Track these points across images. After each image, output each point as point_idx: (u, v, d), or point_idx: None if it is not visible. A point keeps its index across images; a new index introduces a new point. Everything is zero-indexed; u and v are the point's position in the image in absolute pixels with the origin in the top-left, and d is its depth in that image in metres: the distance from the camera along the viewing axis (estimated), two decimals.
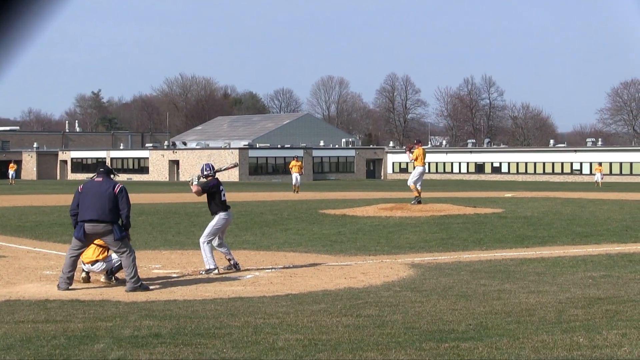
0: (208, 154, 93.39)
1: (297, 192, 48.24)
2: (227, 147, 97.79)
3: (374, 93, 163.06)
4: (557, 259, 16.47)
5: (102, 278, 13.62)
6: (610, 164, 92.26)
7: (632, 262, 15.69)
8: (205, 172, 15.29)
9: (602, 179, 72.66)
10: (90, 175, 15.26)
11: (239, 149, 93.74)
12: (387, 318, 9.99)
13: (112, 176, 13.24)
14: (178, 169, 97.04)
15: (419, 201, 28.70)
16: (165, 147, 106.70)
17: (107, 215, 12.73)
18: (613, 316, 9.96)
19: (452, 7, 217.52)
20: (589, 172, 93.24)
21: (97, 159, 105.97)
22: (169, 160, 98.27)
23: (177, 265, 15.84)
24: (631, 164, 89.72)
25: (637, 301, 11.02)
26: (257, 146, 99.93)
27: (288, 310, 10.51)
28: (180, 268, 15.53)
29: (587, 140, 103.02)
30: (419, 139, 27.93)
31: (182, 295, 12.23)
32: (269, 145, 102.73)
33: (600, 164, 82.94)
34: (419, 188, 28.96)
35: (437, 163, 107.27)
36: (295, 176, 49.92)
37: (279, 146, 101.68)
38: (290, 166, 52.04)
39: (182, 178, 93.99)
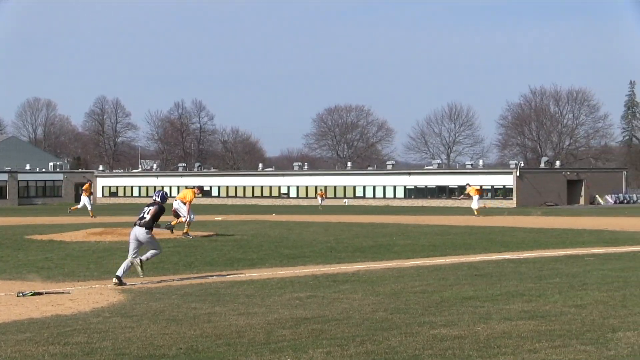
0: None
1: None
2: None
3: (83, 116, 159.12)
4: (266, 280, 16.83)
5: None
6: (316, 187, 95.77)
7: (336, 282, 16.34)
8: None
9: (323, 201, 75.98)
10: None
11: None
12: (96, 345, 9.78)
13: None
14: None
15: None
16: None
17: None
18: (319, 335, 10.33)
19: (162, 32, 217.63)
20: (295, 196, 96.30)
21: None
22: None
23: None
24: (335, 187, 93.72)
25: (340, 320, 11.50)
26: None
27: None
28: None
29: (294, 164, 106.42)
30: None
31: None
32: None
33: (322, 189, 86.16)
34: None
35: (147, 187, 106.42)
36: (86, 199, 48.66)
37: None
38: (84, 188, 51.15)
39: None
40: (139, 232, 17.12)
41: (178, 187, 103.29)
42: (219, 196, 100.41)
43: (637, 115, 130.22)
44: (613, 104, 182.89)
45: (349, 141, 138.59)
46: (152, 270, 18.97)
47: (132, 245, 17.09)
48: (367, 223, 39.75)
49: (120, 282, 16.50)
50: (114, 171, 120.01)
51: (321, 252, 23.07)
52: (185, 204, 29.26)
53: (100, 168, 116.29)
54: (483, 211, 52.16)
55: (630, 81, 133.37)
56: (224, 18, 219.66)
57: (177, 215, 29.21)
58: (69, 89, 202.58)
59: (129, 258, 16.93)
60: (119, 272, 16.67)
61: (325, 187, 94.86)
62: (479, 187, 57.42)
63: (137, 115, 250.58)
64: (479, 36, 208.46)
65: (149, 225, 17.17)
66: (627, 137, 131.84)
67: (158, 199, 17.72)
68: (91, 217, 46.66)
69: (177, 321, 11.59)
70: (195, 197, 30.13)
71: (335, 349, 9.42)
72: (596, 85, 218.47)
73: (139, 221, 17.26)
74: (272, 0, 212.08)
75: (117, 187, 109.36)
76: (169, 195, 18.89)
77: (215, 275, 17.98)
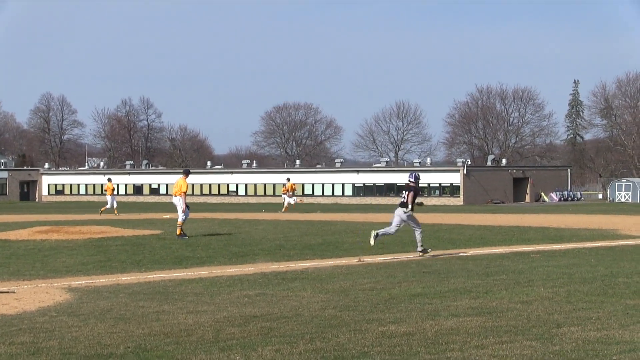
0: None
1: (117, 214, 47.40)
2: None
3: (28, 113, 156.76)
4: (215, 278, 16.79)
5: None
6: (265, 185, 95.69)
7: (285, 280, 16.36)
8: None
9: (295, 200, 75.44)
10: None
11: None
12: (42, 345, 9.69)
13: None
14: None
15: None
16: None
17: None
18: (268, 333, 10.35)
19: (109, 29, 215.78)
20: (244, 194, 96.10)
21: None
22: None
23: None
24: (284, 185, 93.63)
25: (290, 317, 11.52)
26: None
27: None
28: None
29: (243, 162, 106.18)
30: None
31: None
32: None
33: (284, 185, 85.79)
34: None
35: (94, 185, 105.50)
36: (110, 199, 48.50)
37: None
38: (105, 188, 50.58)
39: None
40: (400, 213, 20.61)
41: (125, 185, 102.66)
42: (167, 194, 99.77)
43: (581, 114, 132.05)
44: (557, 103, 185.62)
45: (297, 139, 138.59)
46: (100, 268, 18.84)
47: (396, 221, 20.76)
48: (316, 221, 39.81)
49: (425, 251, 20.74)
50: (60, 169, 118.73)
51: (270, 250, 23.06)
52: (181, 197, 27.44)
53: (46, 166, 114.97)
54: (299, 207, 53.24)
55: (574, 80, 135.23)
56: (171, 15, 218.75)
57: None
58: (14, 85, 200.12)
59: (392, 229, 20.90)
60: (419, 247, 20.74)
61: (274, 184, 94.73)
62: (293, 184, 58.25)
63: (84, 112, 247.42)
64: (426, 35, 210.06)
65: (409, 207, 20.50)
66: (571, 136, 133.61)
67: (412, 180, 20.83)
68: (115, 214, 46.69)
69: (125, 320, 11.52)
70: (187, 184, 28.11)
71: (285, 347, 9.45)
72: (541, 84, 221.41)
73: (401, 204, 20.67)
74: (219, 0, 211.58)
75: (63, 185, 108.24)
76: (419, 177, 21.51)
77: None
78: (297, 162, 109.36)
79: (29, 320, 11.68)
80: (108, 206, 48.37)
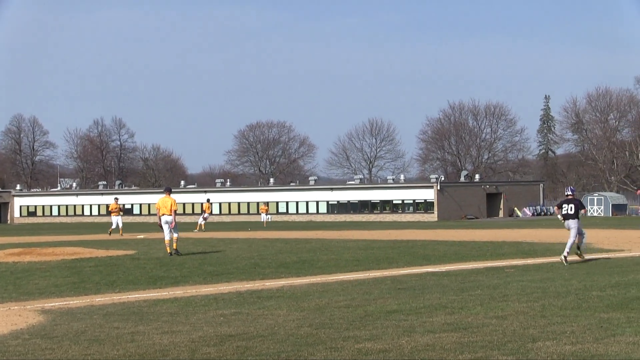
0: None
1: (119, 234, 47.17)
2: None
3: None
4: (190, 298, 16.71)
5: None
6: (239, 203, 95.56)
7: (260, 298, 16.31)
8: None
9: (268, 219, 75.31)
10: None
11: None
12: None
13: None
14: None
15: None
16: None
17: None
18: (244, 352, 10.30)
19: (79, 48, 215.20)
20: (218, 212, 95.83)
21: None
22: None
23: None
24: (257, 203, 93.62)
25: (265, 336, 11.48)
26: None
27: None
28: None
29: (217, 181, 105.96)
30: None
31: None
32: None
33: (266, 204, 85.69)
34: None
35: (67, 206, 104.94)
36: (114, 219, 47.82)
37: None
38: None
39: None
40: (572, 224, 23.29)
41: (98, 205, 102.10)
42: (140, 214, 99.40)
43: (552, 129, 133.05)
44: (529, 118, 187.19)
45: (271, 157, 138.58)
46: (73, 290, 18.69)
47: (573, 231, 23.21)
48: (291, 239, 39.78)
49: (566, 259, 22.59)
50: (32, 190, 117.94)
51: (245, 269, 22.99)
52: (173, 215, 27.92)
53: (18, 187, 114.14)
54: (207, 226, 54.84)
55: (545, 95, 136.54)
56: (142, 34, 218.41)
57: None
58: None
59: (571, 240, 23.20)
60: (579, 251, 23.57)
61: (248, 203, 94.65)
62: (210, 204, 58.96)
63: (56, 133, 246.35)
64: (397, 52, 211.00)
65: (576, 216, 23.32)
66: (543, 151, 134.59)
67: (571, 193, 23.81)
68: (109, 234, 46.63)
69: (99, 341, 11.43)
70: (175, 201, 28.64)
71: None
72: (512, 99, 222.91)
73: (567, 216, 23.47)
74: (190, 17, 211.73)
75: (35, 206, 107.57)
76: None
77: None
78: (271, 180, 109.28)
79: (1, 343, 11.56)
80: (113, 226, 47.78)
